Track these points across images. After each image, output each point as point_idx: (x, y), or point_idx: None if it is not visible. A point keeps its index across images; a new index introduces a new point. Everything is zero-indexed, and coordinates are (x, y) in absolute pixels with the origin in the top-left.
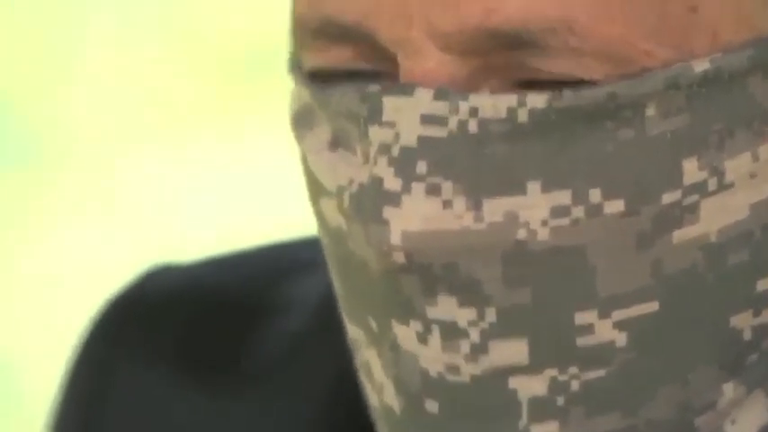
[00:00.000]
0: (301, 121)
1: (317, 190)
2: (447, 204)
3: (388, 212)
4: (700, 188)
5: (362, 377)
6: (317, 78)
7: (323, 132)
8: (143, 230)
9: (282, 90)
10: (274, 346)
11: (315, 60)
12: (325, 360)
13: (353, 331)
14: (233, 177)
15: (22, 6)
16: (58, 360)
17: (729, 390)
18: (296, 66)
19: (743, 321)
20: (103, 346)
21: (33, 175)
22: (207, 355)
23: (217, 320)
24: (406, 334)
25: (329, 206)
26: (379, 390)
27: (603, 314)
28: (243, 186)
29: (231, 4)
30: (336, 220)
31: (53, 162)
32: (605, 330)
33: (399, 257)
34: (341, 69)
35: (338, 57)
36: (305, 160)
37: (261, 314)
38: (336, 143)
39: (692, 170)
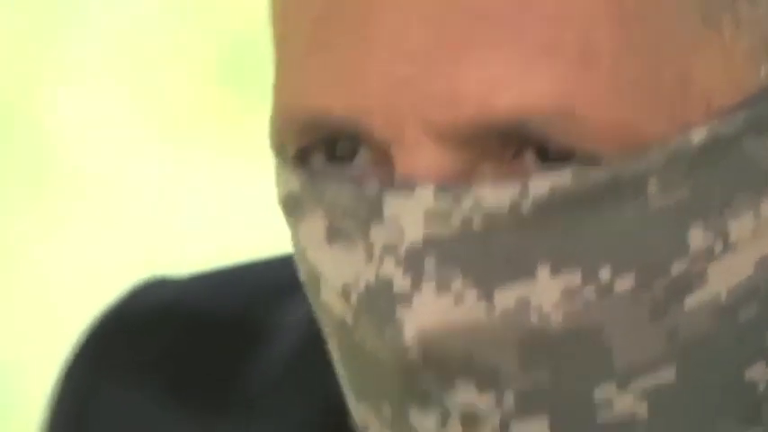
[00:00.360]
0: (291, 207)
1: (316, 281)
2: (458, 299)
3: (401, 312)
4: (707, 253)
5: None
6: (302, 158)
7: (318, 223)
8: (140, 238)
9: None
10: (265, 368)
11: (300, 143)
12: (317, 383)
13: (361, 410)
14: (232, 186)
15: (21, 10)
16: (54, 368)
17: None
18: (280, 148)
19: (757, 373)
20: (88, 366)
21: (29, 182)
22: (195, 376)
23: (207, 340)
24: (424, 423)
25: (332, 297)
26: None
27: (621, 386)
28: (242, 195)
29: (235, 12)
30: (341, 311)
31: (48, 168)
32: (625, 403)
33: (415, 355)
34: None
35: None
36: (303, 251)
37: (252, 335)
38: (335, 236)
39: (697, 237)
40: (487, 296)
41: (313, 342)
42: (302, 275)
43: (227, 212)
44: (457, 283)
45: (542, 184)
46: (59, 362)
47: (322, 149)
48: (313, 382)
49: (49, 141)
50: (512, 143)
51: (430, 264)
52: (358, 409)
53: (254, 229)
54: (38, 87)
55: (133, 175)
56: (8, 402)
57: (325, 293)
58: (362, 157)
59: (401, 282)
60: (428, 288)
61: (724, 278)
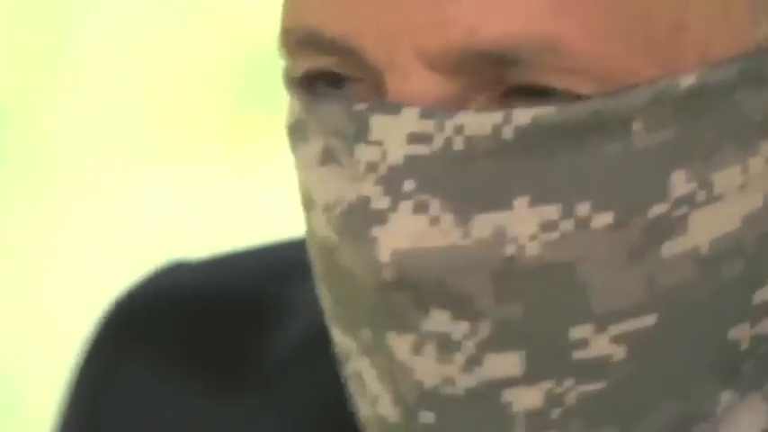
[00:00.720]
0: (296, 133)
1: (308, 203)
2: (434, 221)
3: (377, 231)
4: (688, 200)
5: (353, 387)
6: (307, 87)
7: (314, 146)
8: (139, 241)
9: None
10: (282, 347)
11: (303, 66)
12: (333, 363)
13: (343, 341)
14: (232, 195)
15: (22, 14)
16: (59, 369)
17: (727, 398)
18: (289, 78)
19: (740, 333)
20: (109, 346)
21: (28, 184)
22: (214, 357)
23: (226, 321)
24: (402, 345)
25: (319, 220)
26: (373, 400)
27: (599, 329)
28: (242, 203)
29: (240, 21)
30: (325, 233)
31: (47, 171)
32: (602, 344)
33: (389, 275)
34: (328, 72)
35: (325, 63)
36: (299, 176)
37: (269, 316)
38: (327, 158)
39: (679, 182)
40: (464, 222)
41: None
42: (301, 201)
43: (227, 220)
44: (434, 206)
45: (525, 113)
46: (60, 369)
47: (324, 80)
48: (327, 361)
49: (47, 144)
50: (500, 77)
51: (409, 185)
52: (341, 341)
53: (254, 236)
54: (37, 90)
55: (133, 181)
56: (7, 402)
57: (313, 217)
58: (356, 85)
59: (379, 201)
60: (405, 208)
61: (706, 229)
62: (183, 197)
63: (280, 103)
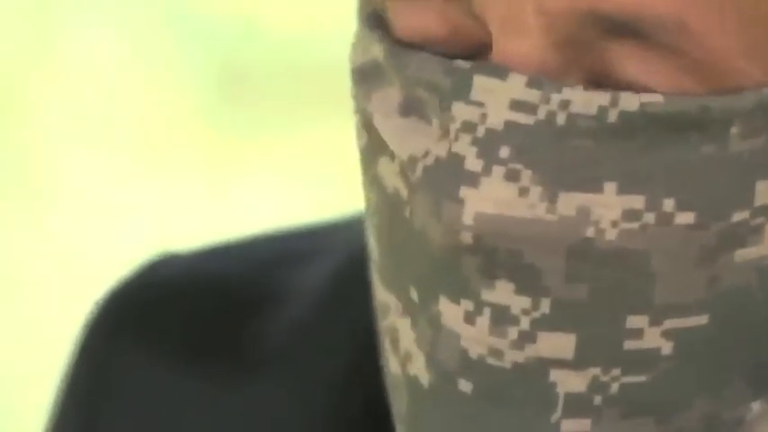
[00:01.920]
0: (367, 77)
1: (377, 150)
2: (523, 192)
3: (465, 192)
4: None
5: (385, 342)
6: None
7: (393, 95)
8: (123, 240)
9: (281, 118)
10: (277, 335)
11: (397, 19)
12: (328, 350)
13: (385, 296)
14: (219, 197)
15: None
16: (44, 370)
17: (756, 407)
18: (370, 16)
19: None
20: (103, 338)
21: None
22: (210, 345)
23: (219, 310)
24: (453, 312)
25: (389, 169)
26: (405, 359)
27: (654, 321)
28: (219, 219)
29: (231, 26)
30: (395, 184)
31: (32, 173)
32: (654, 337)
33: (467, 238)
34: (418, 38)
35: (423, 20)
36: (367, 119)
37: (263, 303)
38: (409, 110)
39: (764, 192)
40: (551, 197)
41: (329, 308)
42: (360, 144)
43: (214, 225)
44: (525, 177)
45: (633, 98)
46: (42, 366)
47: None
48: (327, 348)
49: (27, 153)
50: (611, 61)
51: (505, 151)
52: (382, 296)
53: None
54: (25, 89)
55: (111, 191)
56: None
57: (382, 165)
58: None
59: (473, 161)
60: (497, 174)
61: None
62: (161, 208)
63: (256, 119)
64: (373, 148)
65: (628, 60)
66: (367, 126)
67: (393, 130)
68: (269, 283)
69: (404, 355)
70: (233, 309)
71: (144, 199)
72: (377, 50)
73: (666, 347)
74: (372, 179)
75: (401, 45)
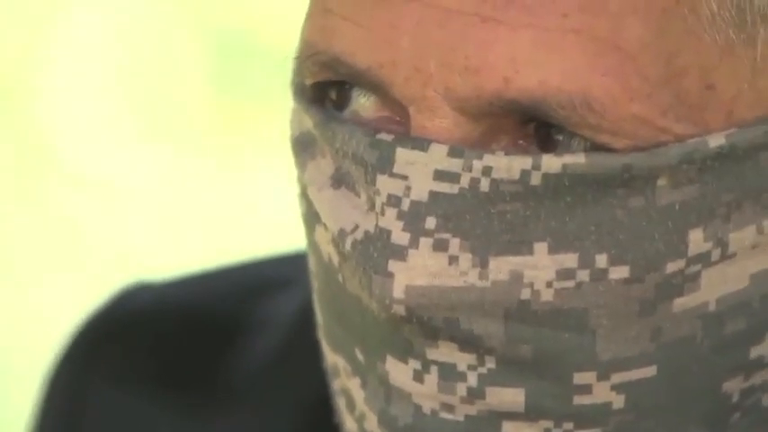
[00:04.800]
0: (302, 147)
1: (314, 219)
2: (453, 260)
3: (394, 266)
4: (703, 258)
5: (340, 403)
6: (317, 103)
7: (326, 166)
8: (130, 232)
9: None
10: (250, 364)
11: (318, 79)
12: (301, 379)
13: (334, 358)
14: (224, 186)
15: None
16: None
17: None
18: (300, 89)
19: (734, 386)
20: (77, 368)
21: (17, 173)
22: (183, 375)
23: (192, 340)
24: (401, 371)
25: (324, 237)
26: (360, 418)
27: (602, 376)
28: (235, 195)
29: (231, 12)
30: (329, 252)
31: (37, 160)
32: (604, 392)
33: (400, 310)
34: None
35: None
36: (304, 190)
37: (236, 333)
38: (340, 181)
39: (697, 241)
40: (482, 263)
41: (297, 337)
42: (302, 213)
43: (219, 213)
44: (454, 246)
45: (555, 160)
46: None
47: (333, 93)
48: (298, 377)
49: (37, 133)
50: (527, 122)
51: (431, 222)
52: (331, 358)
53: (247, 230)
54: (26, 75)
55: (124, 171)
56: None
57: (318, 234)
58: (374, 104)
59: (399, 235)
60: (425, 245)
61: (716, 286)
62: (176, 195)
63: (259, 90)
64: (310, 216)
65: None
66: (303, 196)
67: (325, 202)
68: (241, 313)
69: (358, 414)
70: (205, 340)
71: (148, 177)
72: (307, 122)
73: (618, 401)
74: (311, 245)
75: (329, 116)
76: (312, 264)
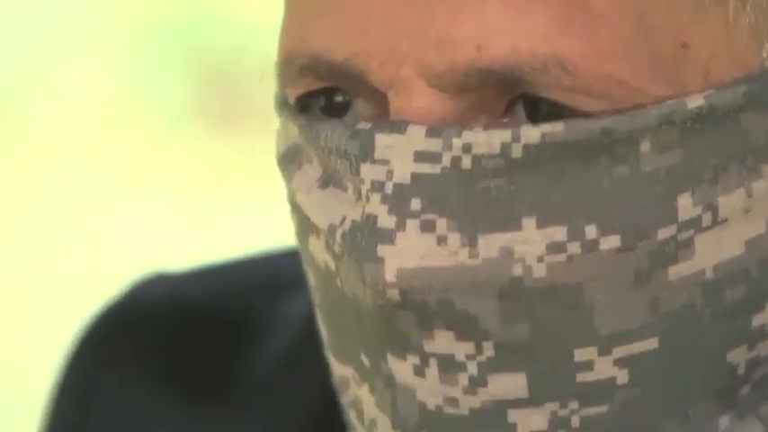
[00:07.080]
0: (289, 160)
1: (306, 228)
2: (441, 240)
3: (383, 250)
4: (694, 223)
5: (351, 416)
6: (303, 113)
7: (313, 170)
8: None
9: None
10: (261, 365)
11: (302, 89)
12: (312, 379)
13: (341, 370)
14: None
15: None
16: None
17: (725, 422)
18: (283, 103)
19: (738, 356)
20: (89, 360)
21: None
22: (194, 372)
23: (205, 336)
24: (402, 368)
25: (318, 245)
26: (371, 426)
27: (603, 351)
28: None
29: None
30: (324, 259)
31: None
32: (606, 367)
33: (394, 295)
34: (329, 89)
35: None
36: (293, 199)
37: (248, 331)
38: (327, 181)
39: (686, 206)
40: (471, 242)
41: (312, 336)
42: (295, 228)
43: (204, 245)
44: (441, 226)
45: (534, 131)
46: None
47: (321, 100)
48: (310, 376)
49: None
50: (505, 95)
51: (416, 203)
52: (339, 370)
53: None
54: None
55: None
56: None
57: (312, 244)
58: (359, 105)
59: (385, 219)
60: (412, 227)
61: (711, 253)
62: (161, 235)
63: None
64: (303, 227)
65: (529, 93)
66: (294, 207)
67: (314, 203)
68: (255, 311)
69: (369, 422)
70: (217, 337)
71: (129, 221)
72: (293, 131)
73: (621, 376)
74: (307, 260)
75: (313, 118)
76: (311, 278)
